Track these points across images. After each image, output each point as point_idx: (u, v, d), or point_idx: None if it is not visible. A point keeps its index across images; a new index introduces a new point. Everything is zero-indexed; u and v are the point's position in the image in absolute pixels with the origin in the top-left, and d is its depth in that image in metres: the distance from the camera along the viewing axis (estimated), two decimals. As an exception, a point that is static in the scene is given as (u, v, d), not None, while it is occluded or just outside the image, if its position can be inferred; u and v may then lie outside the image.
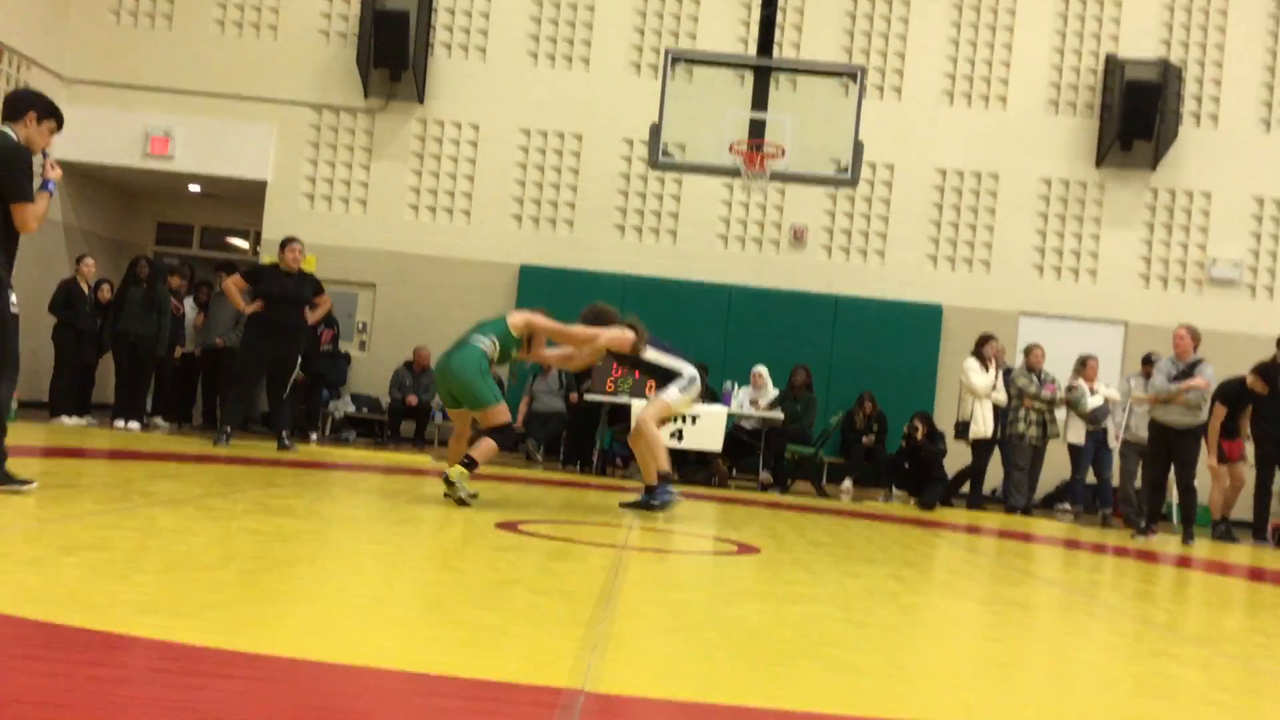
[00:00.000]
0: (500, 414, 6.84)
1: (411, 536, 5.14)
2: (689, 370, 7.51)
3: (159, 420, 12.74)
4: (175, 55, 14.92)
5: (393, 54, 14.41)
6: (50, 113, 5.33)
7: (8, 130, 5.16)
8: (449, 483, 6.48)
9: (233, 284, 10.61)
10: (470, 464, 6.61)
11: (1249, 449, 11.22)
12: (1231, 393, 10.91)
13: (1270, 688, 3.46)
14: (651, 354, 7.49)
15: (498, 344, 6.96)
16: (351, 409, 14.32)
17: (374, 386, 14.54)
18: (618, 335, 7.35)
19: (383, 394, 14.34)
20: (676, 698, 2.56)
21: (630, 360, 7.62)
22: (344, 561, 4.12)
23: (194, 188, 16.09)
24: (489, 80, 15.00)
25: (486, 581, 4.02)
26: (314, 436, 12.86)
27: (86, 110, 14.40)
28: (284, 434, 10.45)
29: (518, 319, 7.13)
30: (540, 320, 7.19)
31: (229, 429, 10.34)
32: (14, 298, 5.10)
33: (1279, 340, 11.04)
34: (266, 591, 3.40)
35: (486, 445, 6.74)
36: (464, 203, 14.99)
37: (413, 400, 13.88)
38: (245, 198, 15.52)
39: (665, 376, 7.51)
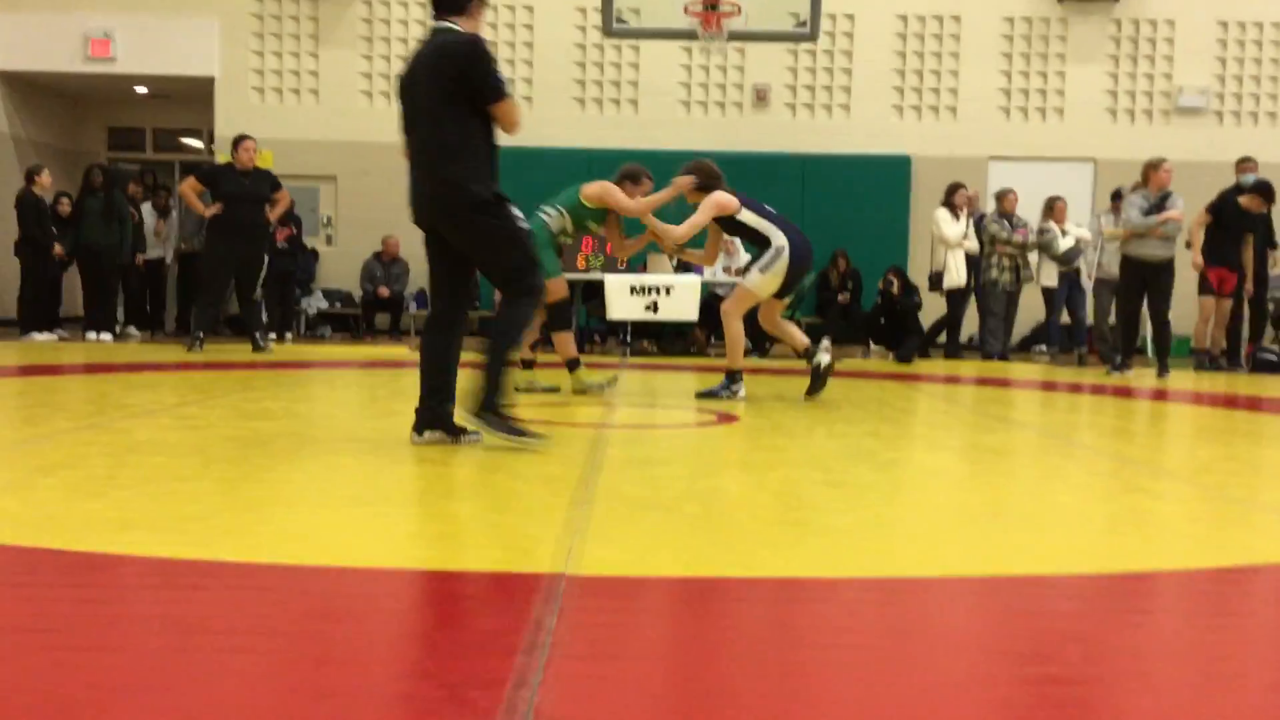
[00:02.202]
0: (553, 288, 6.43)
1: (390, 431, 5.15)
2: (778, 239, 6.54)
3: (132, 329, 12.66)
4: (105, -48, 14.39)
5: (331, -65, 13.92)
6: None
7: (454, 26, 4.46)
8: (580, 389, 6.73)
9: (188, 188, 10.43)
10: (572, 364, 6.79)
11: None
12: (1215, 206, 10.85)
13: (1240, 516, 3.53)
14: (747, 215, 6.62)
15: (567, 215, 6.61)
16: (324, 305, 14.24)
17: (345, 280, 14.44)
18: (719, 201, 6.54)
19: (354, 288, 14.24)
20: (657, 574, 2.59)
21: (727, 223, 6.72)
22: (323, 461, 4.12)
23: (141, 89, 15.69)
24: (433, -45, 14.51)
25: (467, 472, 4.03)
26: (289, 336, 12.81)
27: (21, 16, 13.97)
28: (257, 335, 10.40)
29: (592, 189, 6.59)
30: (615, 195, 6.53)
31: (201, 334, 10.28)
32: (516, 210, 4.50)
33: (1238, 164, 11.01)
34: (246, 499, 3.41)
35: (560, 340, 6.81)
36: (419, 85, 14.65)
37: (384, 291, 13.79)
38: (194, 96, 15.14)
39: (757, 243, 6.64)
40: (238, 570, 2.54)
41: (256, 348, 10.29)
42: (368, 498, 3.46)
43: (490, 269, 4.55)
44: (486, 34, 15.83)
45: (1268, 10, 14.68)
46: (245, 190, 10.19)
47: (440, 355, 4.51)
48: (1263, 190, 10.74)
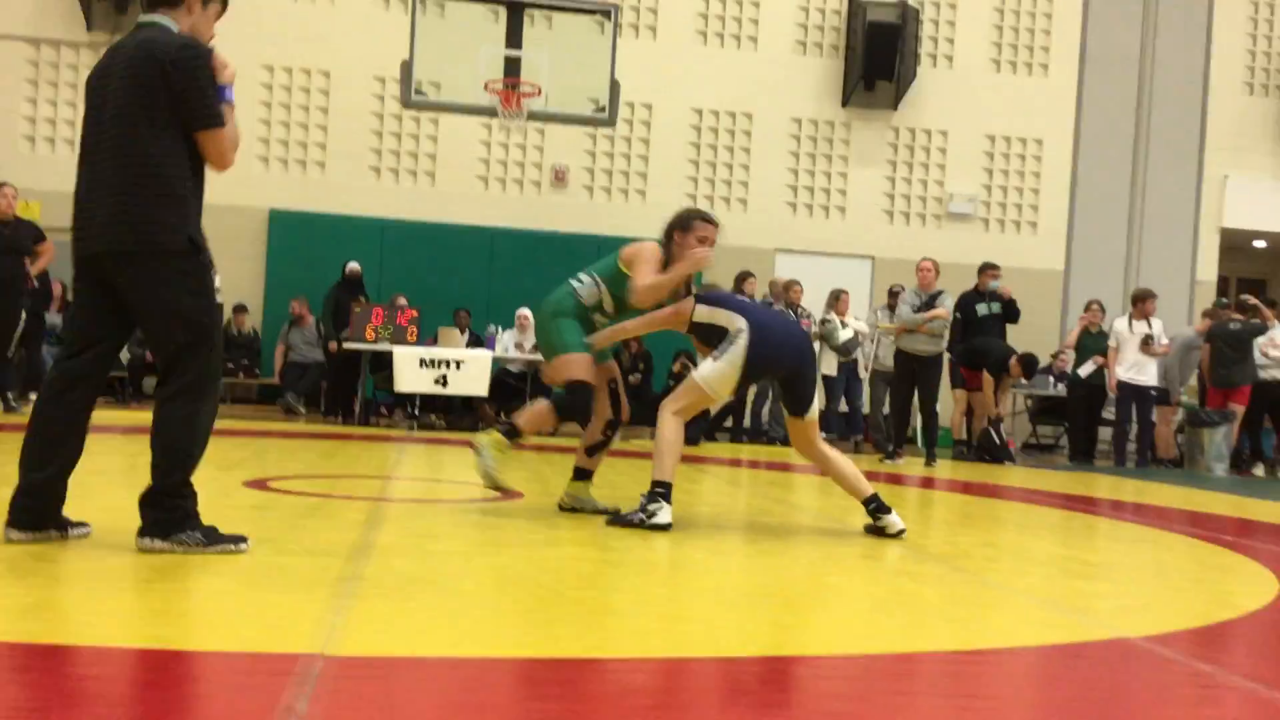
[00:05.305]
0: (569, 366, 5.09)
1: (149, 500, 4.82)
2: (736, 322, 4.99)
3: None
4: None
5: (117, -18, 13.41)
6: None
7: (165, 22, 3.58)
8: (475, 449, 5.14)
9: (-60, 237, 9.71)
10: (511, 432, 5.17)
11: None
12: (960, 310, 11.43)
13: (998, 600, 3.67)
14: (701, 312, 5.15)
15: (603, 286, 5.22)
16: (89, 366, 13.39)
17: (114, 341, 13.66)
18: (681, 306, 5.20)
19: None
20: (422, 654, 2.48)
21: (696, 332, 5.20)
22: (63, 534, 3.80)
23: (-104, 131, 14.59)
24: (228, 14, 14.11)
25: (228, 544, 3.80)
26: (33, 396, 11.94)
27: None
28: (9, 395, 9.69)
29: (628, 250, 5.26)
30: (637, 264, 5.18)
31: (-52, 395, 9.51)
32: (218, 280, 3.63)
33: (981, 270, 11.65)
34: (-27, 571, 3.10)
35: (536, 408, 5.34)
36: (206, 144, 14.17)
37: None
38: (-43, 141, 14.17)
39: (718, 338, 5.04)
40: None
41: (8, 408, 9.58)
42: (109, 572, 3.21)
43: (156, 340, 3.55)
44: (279, 96, 15.19)
45: (1029, 127, 15.87)
46: (2, 241, 9.55)
47: (65, 425, 3.60)
48: (1024, 362, 11.14)
